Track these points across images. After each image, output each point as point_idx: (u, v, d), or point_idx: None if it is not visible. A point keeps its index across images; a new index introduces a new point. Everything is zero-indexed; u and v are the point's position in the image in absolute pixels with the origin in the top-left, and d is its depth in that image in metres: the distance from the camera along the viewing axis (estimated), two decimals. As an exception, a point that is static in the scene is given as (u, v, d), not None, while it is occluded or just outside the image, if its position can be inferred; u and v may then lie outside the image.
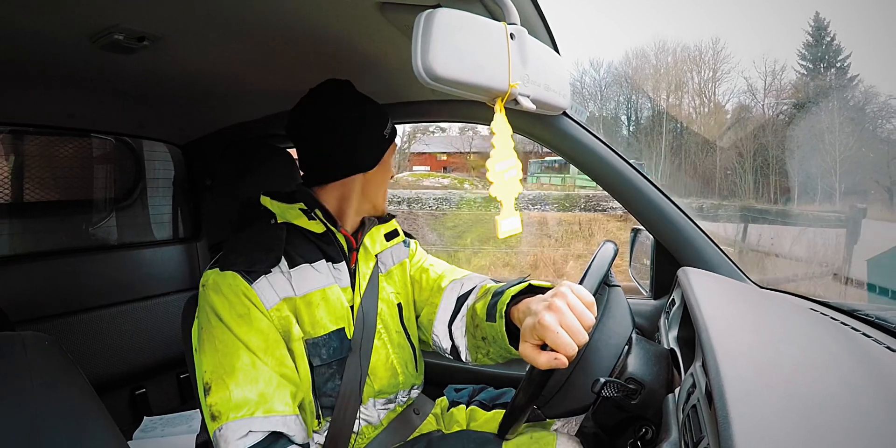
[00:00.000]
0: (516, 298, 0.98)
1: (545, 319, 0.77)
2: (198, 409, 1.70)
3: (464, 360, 1.15)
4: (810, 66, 22.00)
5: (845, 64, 21.44)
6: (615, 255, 1.00)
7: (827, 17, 22.61)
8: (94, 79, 1.30)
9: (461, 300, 1.17)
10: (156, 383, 1.81)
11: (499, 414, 1.20)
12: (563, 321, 0.77)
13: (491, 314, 1.01)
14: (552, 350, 0.77)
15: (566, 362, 0.76)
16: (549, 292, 0.84)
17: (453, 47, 0.57)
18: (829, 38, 22.07)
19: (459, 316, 1.16)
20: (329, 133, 1.06)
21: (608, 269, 0.97)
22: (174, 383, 1.87)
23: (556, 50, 0.99)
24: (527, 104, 0.66)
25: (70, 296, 1.64)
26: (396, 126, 1.17)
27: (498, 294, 1.02)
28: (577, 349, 0.76)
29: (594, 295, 0.87)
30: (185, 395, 1.89)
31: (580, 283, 0.90)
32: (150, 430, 1.56)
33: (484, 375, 1.64)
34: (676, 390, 0.89)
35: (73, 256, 1.72)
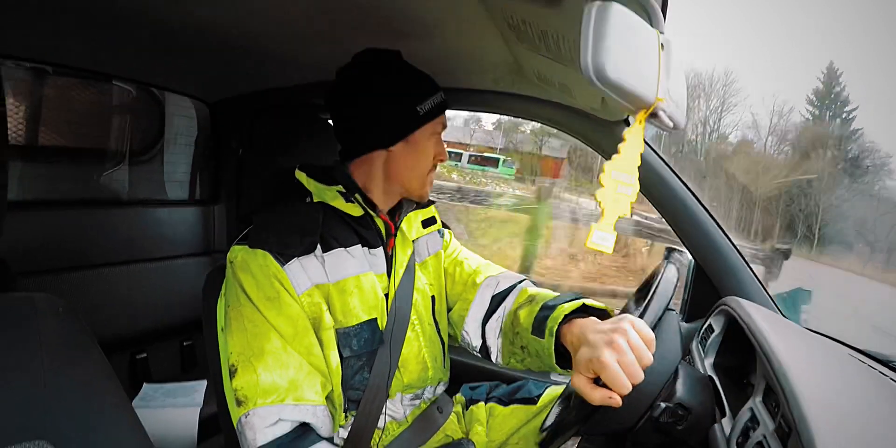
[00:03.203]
0: (568, 317, 0.94)
1: (605, 357, 0.73)
2: (201, 381, 1.67)
3: (493, 360, 1.12)
4: (816, 112, 22.61)
5: (850, 116, 21.99)
6: (678, 280, 0.97)
7: (840, 67, 23.14)
8: (123, 22, 1.20)
9: (496, 299, 1.14)
10: (158, 349, 1.75)
11: (518, 409, 1.20)
12: (623, 360, 0.74)
13: (539, 329, 0.97)
14: (605, 385, 0.74)
15: (619, 401, 0.74)
16: (609, 324, 0.80)
17: (621, 47, 0.53)
18: (838, 89, 22.57)
19: (495, 316, 1.12)
20: (351, 104, 1.01)
21: (672, 296, 0.94)
22: (177, 350, 1.81)
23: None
24: (665, 120, 0.62)
25: (76, 250, 1.57)
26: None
27: (548, 308, 0.98)
28: (631, 388, 0.73)
29: (658, 319, 0.85)
30: (186, 363, 1.82)
31: (644, 310, 0.87)
32: (150, 399, 1.50)
33: (496, 372, 1.61)
34: (723, 421, 0.88)
35: (82, 208, 1.64)
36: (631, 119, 0.65)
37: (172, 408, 1.45)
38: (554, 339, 0.93)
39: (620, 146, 0.61)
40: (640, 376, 0.74)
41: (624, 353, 0.74)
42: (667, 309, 1.02)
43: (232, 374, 0.88)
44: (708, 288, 1.33)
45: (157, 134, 1.90)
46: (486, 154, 22.10)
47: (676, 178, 1.29)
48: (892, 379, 0.95)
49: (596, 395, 0.74)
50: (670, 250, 1.58)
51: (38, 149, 1.67)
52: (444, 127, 1.07)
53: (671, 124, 0.63)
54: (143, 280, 1.69)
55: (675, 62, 0.67)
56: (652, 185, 1.30)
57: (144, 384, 1.61)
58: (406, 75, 1.02)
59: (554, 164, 22.37)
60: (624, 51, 0.53)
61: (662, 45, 0.61)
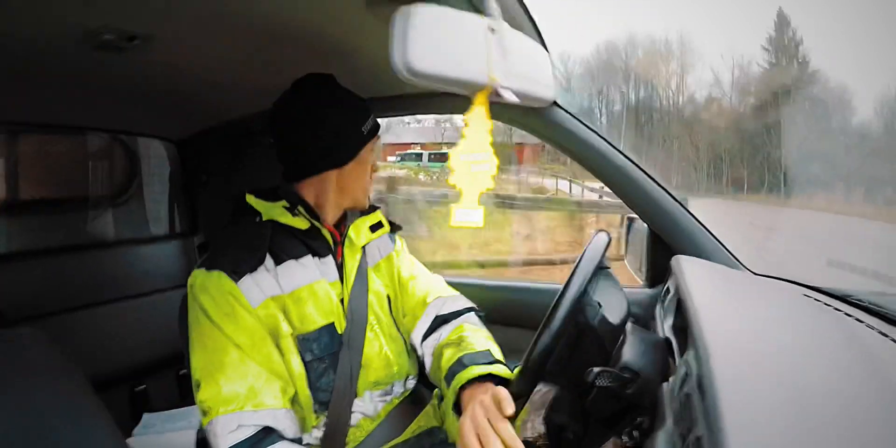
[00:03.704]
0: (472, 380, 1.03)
1: (464, 427, 0.86)
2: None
3: (426, 373, 1.21)
4: (773, 60, 22.62)
5: (806, 58, 22.02)
6: (607, 246, 1.00)
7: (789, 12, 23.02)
8: (86, 77, 1.29)
9: (438, 320, 1.21)
10: (156, 380, 1.81)
11: None
12: (481, 434, 0.83)
13: (448, 379, 1.06)
14: None
15: None
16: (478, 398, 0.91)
17: (432, 42, 0.58)
18: (790, 33, 22.64)
19: (432, 337, 1.21)
20: (301, 128, 1.07)
21: (601, 259, 0.97)
22: (174, 380, 1.87)
23: (543, 42, 0.98)
24: (509, 97, 0.66)
25: (67, 293, 1.64)
26: (382, 119, 1.18)
27: (462, 365, 1.05)
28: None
29: (586, 285, 0.90)
30: (184, 391, 1.86)
31: (570, 276, 0.91)
32: (150, 427, 1.56)
33: None
34: (671, 379, 0.89)
35: (69, 254, 1.72)
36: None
37: (170, 433, 1.51)
38: (455, 394, 1.03)
39: (464, 130, 0.65)
40: (494, 444, 0.82)
41: (479, 423, 0.85)
42: (602, 268, 1.04)
43: (197, 388, 0.95)
44: (666, 251, 1.36)
45: (131, 175, 1.97)
46: (443, 151, 22.84)
47: (617, 151, 1.32)
48: (846, 313, 0.96)
49: None
50: (630, 220, 1.60)
51: (18, 203, 1.75)
52: (378, 139, 1.15)
53: (517, 99, 0.67)
54: (134, 315, 1.76)
55: (520, 40, 0.71)
56: (594, 161, 1.33)
57: (144, 414, 1.66)
58: (348, 100, 1.09)
59: (530, 151, 22.85)
60: (432, 44, 0.57)
61: (492, 28, 0.65)
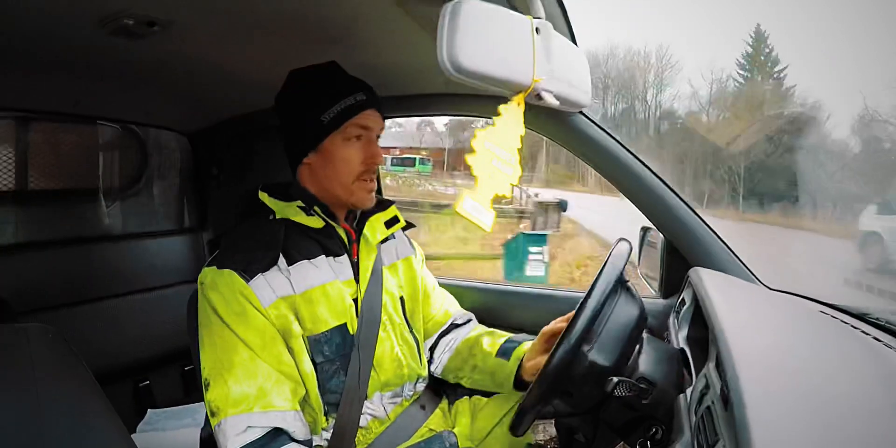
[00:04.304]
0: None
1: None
2: (202, 403, 1.71)
3: (432, 370, 1.26)
4: (748, 75, 23.09)
5: (782, 74, 22.48)
6: (629, 254, 0.99)
7: (767, 29, 23.50)
8: (101, 65, 1.29)
9: (454, 325, 1.29)
10: (160, 376, 1.80)
11: (499, 398, 1.23)
12: None
13: (504, 354, 1.14)
14: None
15: None
16: None
17: (479, 39, 0.56)
18: (767, 50, 23.00)
19: (449, 336, 1.27)
20: (281, 117, 1.08)
21: (623, 269, 0.96)
22: (178, 376, 1.86)
23: (576, 45, 0.97)
24: (550, 100, 0.65)
25: (74, 286, 1.63)
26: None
27: (512, 342, 1.17)
28: None
29: (607, 295, 0.89)
30: (189, 387, 1.88)
31: (593, 284, 0.91)
32: (153, 423, 1.55)
33: None
34: (688, 391, 0.89)
35: (77, 246, 1.71)
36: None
37: (174, 430, 1.50)
38: (518, 363, 1.11)
39: (496, 119, 0.62)
40: None
41: None
42: (621, 284, 1.03)
43: (206, 387, 0.94)
44: (681, 262, 1.35)
45: (142, 167, 1.96)
46: (404, 155, 24.35)
47: (638, 161, 1.31)
48: (862, 331, 0.95)
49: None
50: (644, 229, 1.59)
51: (28, 193, 1.74)
52: (368, 130, 1.05)
53: (557, 103, 0.66)
54: (140, 310, 1.75)
55: (563, 43, 0.70)
56: (613, 170, 1.33)
57: (149, 410, 1.66)
58: (312, 87, 1.04)
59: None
60: (480, 42, 0.56)
61: (538, 28, 0.64)
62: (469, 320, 1.32)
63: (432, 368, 1.25)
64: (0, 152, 1.66)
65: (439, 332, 1.27)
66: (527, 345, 1.13)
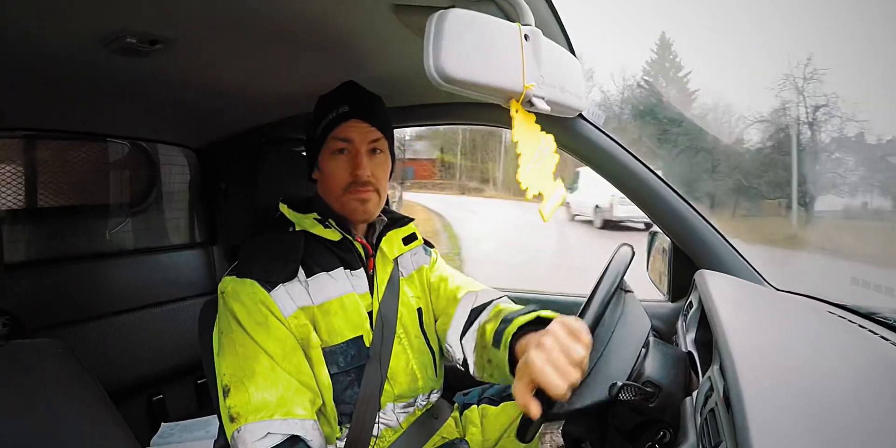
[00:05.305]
0: (525, 329, 0.96)
1: (531, 357, 0.75)
2: (215, 415, 1.72)
3: (472, 373, 1.14)
4: (652, 80, 23.68)
5: (686, 79, 23.17)
6: (631, 260, 0.98)
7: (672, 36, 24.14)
8: (107, 83, 1.31)
9: (475, 312, 1.16)
10: (173, 389, 1.81)
11: (508, 406, 1.21)
12: (550, 357, 0.75)
13: (497, 340, 1.00)
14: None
15: (536, 414, 0.75)
16: (543, 330, 0.81)
17: (466, 48, 0.57)
18: (672, 56, 23.59)
19: (471, 330, 1.14)
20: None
21: (623, 275, 0.95)
22: (192, 389, 1.87)
23: (572, 51, 0.98)
24: (542, 106, 0.65)
25: (85, 302, 1.65)
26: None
27: (507, 321, 1.01)
28: (564, 388, 0.73)
29: (608, 300, 0.87)
30: (202, 400, 1.89)
31: (593, 291, 0.89)
32: (167, 437, 1.56)
33: None
34: (694, 393, 0.88)
35: (88, 262, 1.73)
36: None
37: (188, 443, 1.50)
38: (508, 350, 0.96)
39: (517, 139, 0.63)
40: (573, 375, 0.74)
41: (550, 352, 0.75)
42: (621, 290, 1.02)
43: (226, 393, 0.93)
44: (688, 265, 1.34)
45: (151, 183, 1.99)
46: None
47: (641, 164, 1.31)
48: (871, 330, 0.95)
49: (520, 401, 0.77)
50: (652, 234, 1.59)
51: (39, 211, 1.76)
52: (350, 142, 1.06)
53: (549, 108, 0.66)
54: (152, 324, 1.76)
55: (554, 49, 0.71)
56: (617, 174, 1.33)
57: (162, 424, 1.66)
58: (317, 106, 1.09)
59: (426, 165, 25.10)
60: (467, 50, 0.56)
61: (527, 35, 0.64)
62: (489, 302, 1.17)
63: (472, 372, 1.15)
64: (11, 170, 1.69)
65: (461, 324, 1.17)
66: (520, 319, 0.99)
